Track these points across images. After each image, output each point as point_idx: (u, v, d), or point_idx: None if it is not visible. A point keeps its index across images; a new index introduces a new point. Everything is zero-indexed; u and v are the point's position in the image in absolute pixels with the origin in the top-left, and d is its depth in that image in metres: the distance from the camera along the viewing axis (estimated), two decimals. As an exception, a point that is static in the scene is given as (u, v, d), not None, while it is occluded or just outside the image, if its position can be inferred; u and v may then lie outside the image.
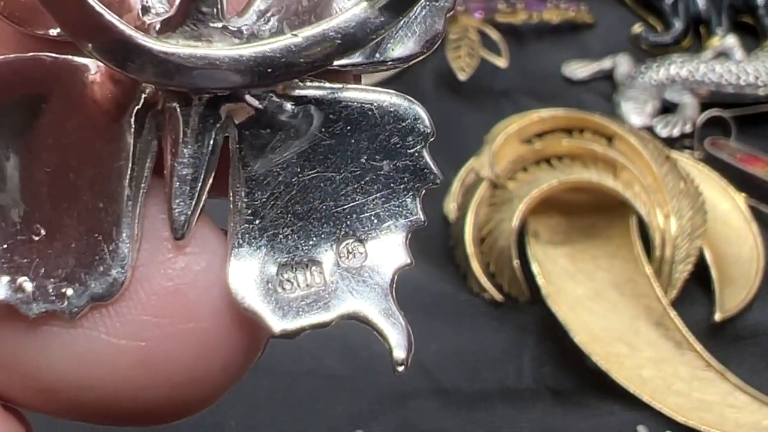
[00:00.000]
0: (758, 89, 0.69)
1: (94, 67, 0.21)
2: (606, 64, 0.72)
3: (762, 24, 0.73)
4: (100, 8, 0.19)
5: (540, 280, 0.59)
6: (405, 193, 0.21)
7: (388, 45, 0.21)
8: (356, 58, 0.21)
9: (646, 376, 0.57)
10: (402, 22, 0.21)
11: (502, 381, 0.57)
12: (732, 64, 0.70)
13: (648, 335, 0.58)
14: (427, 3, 0.21)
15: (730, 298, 0.59)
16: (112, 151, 0.21)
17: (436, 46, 0.22)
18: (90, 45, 0.19)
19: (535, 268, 0.59)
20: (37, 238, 0.21)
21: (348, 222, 0.21)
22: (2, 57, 0.20)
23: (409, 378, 0.54)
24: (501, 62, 0.69)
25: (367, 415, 0.55)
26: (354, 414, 0.55)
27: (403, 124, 0.21)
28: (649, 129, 0.67)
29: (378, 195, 0.21)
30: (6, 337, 0.21)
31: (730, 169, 0.64)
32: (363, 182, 0.21)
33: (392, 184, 0.21)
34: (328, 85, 0.21)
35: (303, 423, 0.55)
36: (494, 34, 0.70)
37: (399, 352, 0.21)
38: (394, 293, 0.21)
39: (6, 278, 0.21)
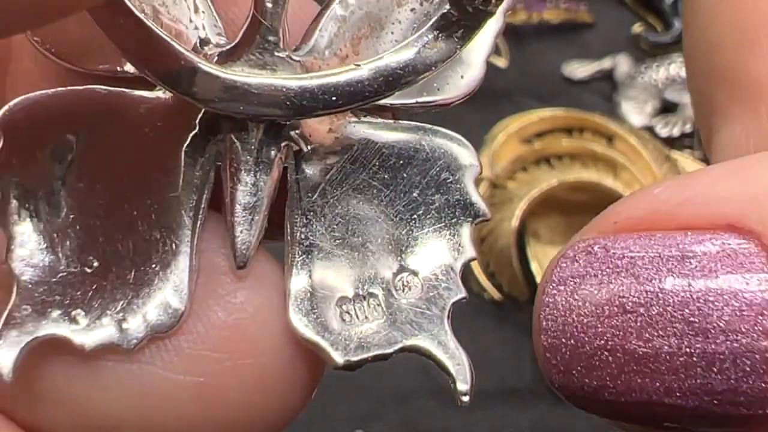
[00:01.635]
0: (758, 89, 0.69)
1: (150, 98, 0.21)
2: (606, 64, 0.72)
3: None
4: (165, 36, 0.19)
5: (540, 280, 0.59)
6: (456, 227, 0.22)
7: (434, 86, 0.22)
8: (406, 97, 0.22)
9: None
10: (451, 61, 0.21)
11: (502, 381, 0.57)
12: (732, 64, 0.70)
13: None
14: (467, 49, 0.22)
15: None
16: (170, 181, 0.21)
17: (477, 89, 0.23)
18: (155, 73, 0.20)
19: (534, 268, 0.59)
20: (90, 270, 0.21)
21: (403, 254, 0.22)
22: (55, 89, 0.21)
23: (409, 378, 0.54)
24: (501, 62, 0.69)
25: (367, 415, 0.55)
26: (354, 414, 0.55)
27: (453, 160, 0.22)
28: (649, 129, 0.67)
29: (431, 228, 0.22)
30: (58, 373, 0.21)
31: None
32: (416, 216, 0.22)
33: (444, 218, 0.22)
34: (382, 120, 0.22)
35: (303, 423, 0.55)
36: (494, 34, 0.70)
37: (462, 385, 0.22)
38: (450, 326, 0.22)
39: (58, 311, 0.20)
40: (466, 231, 0.22)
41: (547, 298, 0.21)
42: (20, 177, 0.20)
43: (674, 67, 0.70)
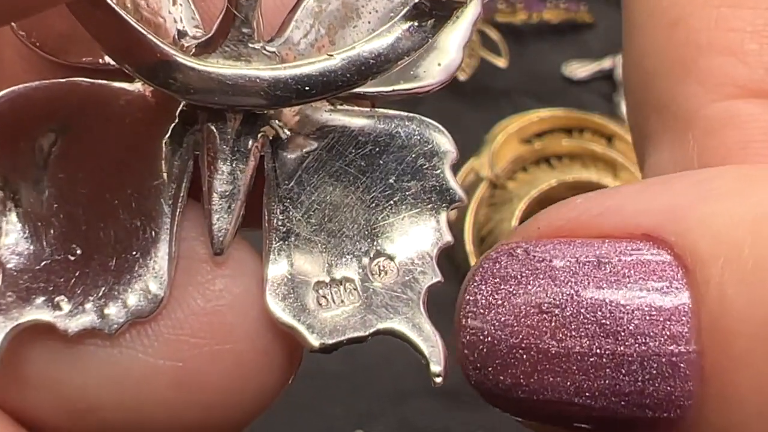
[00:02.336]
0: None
1: (130, 89, 0.21)
2: (606, 64, 0.72)
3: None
4: (142, 29, 0.20)
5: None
6: (432, 212, 0.23)
7: (411, 73, 0.22)
8: (382, 85, 0.22)
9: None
10: (425, 51, 0.22)
11: (502, 381, 0.57)
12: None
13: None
14: (445, 35, 0.22)
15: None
16: (150, 170, 0.21)
17: (454, 76, 0.23)
18: (132, 65, 0.20)
19: (534, 268, 0.59)
20: (73, 258, 0.21)
21: (379, 240, 0.22)
22: (38, 82, 0.21)
23: (408, 378, 0.54)
24: (501, 62, 0.69)
25: (367, 415, 0.55)
26: (354, 414, 0.55)
27: (429, 146, 0.22)
28: (649, 129, 0.67)
29: (407, 214, 0.22)
30: (41, 357, 0.21)
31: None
32: (392, 202, 0.22)
33: (420, 204, 0.22)
34: (358, 109, 0.22)
35: (303, 423, 0.55)
36: (494, 34, 0.70)
37: (435, 366, 0.22)
38: (425, 309, 0.22)
39: (42, 298, 0.21)
40: (442, 216, 0.23)
41: (468, 297, 0.21)
42: (4, 168, 0.21)
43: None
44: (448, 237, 0.23)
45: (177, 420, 0.22)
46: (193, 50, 0.21)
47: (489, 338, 0.21)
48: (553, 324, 0.20)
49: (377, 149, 0.22)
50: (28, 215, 0.21)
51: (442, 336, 0.22)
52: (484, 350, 0.21)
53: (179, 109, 0.22)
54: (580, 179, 0.61)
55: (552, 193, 0.61)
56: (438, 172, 0.23)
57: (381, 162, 0.22)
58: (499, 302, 0.21)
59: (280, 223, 0.22)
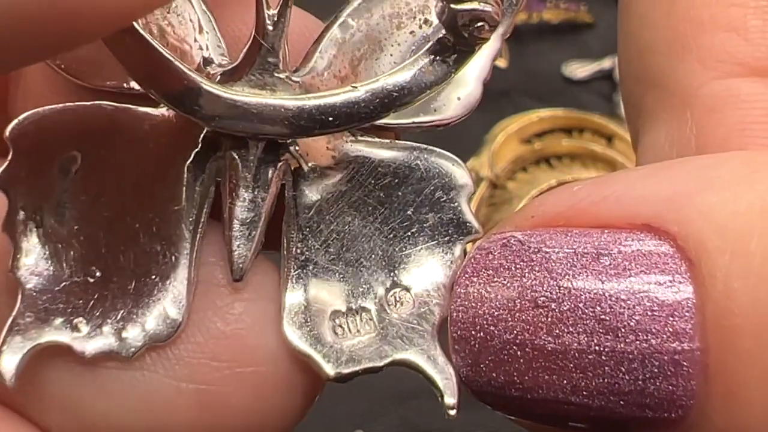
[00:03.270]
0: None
1: (154, 114, 0.22)
2: (606, 64, 0.72)
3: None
4: (170, 56, 0.20)
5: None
6: (449, 244, 0.23)
7: (431, 106, 0.23)
8: (403, 118, 0.22)
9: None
10: (447, 84, 0.22)
11: (502, 381, 0.57)
12: (732, 64, 0.70)
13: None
14: (464, 70, 0.22)
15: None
16: (171, 195, 0.22)
17: (473, 110, 0.23)
18: (159, 92, 0.20)
19: (535, 268, 0.59)
20: (92, 280, 0.21)
21: (396, 271, 0.22)
22: (63, 104, 0.21)
23: (409, 378, 0.54)
24: (501, 62, 0.69)
25: (367, 415, 0.55)
26: (354, 414, 0.55)
27: (447, 179, 0.23)
28: (649, 129, 0.67)
29: (424, 246, 0.23)
30: (62, 378, 0.21)
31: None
32: (410, 233, 0.23)
33: (437, 236, 0.23)
34: (378, 140, 0.23)
35: (303, 423, 0.55)
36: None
37: (449, 399, 0.23)
38: (438, 341, 0.22)
39: (60, 319, 0.21)
40: (458, 248, 0.23)
41: (459, 289, 0.21)
42: (27, 189, 0.21)
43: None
44: None
45: None
46: (219, 78, 0.21)
47: (481, 333, 0.20)
48: (549, 319, 0.19)
49: (396, 181, 0.23)
50: (48, 236, 0.21)
51: (455, 368, 0.22)
52: (476, 346, 0.20)
53: (202, 135, 0.22)
54: (579, 179, 0.61)
55: (552, 193, 0.61)
56: (455, 205, 0.23)
57: (400, 194, 0.23)
58: (492, 296, 0.20)
59: (298, 251, 0.22)
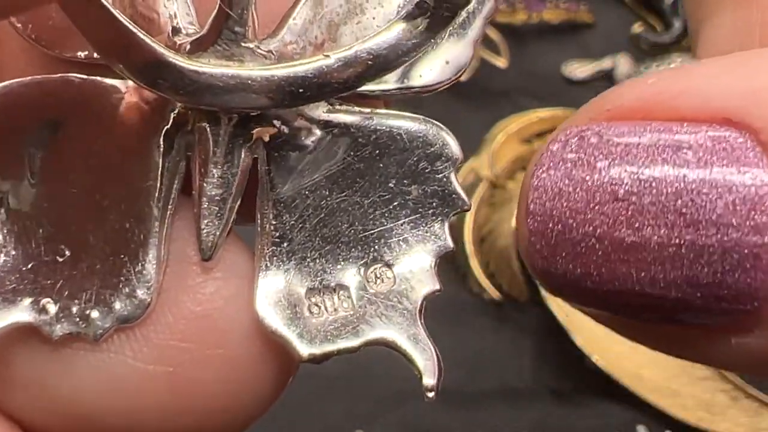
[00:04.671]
0: (758, 89, 0.69)
1: (123, 87, 0.21)
2: (606, 64, 0.72)
3: (762, 24, 0.73)
4: (132, 27, 0.19)
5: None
6: (433, 218, 0.22)
7: (416, 71, 0.21)
8: (385, 84, 0.21)
9: (646, 376, 0.56)
10: (431, 48, 0.21)
11: (502, 381, 0.57)
12: (732, 64, 0.70)
13: (648, 335, 0.58)
14: (455, 31, 0.21)
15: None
16: (141, 171, 0.21)
17: (462, 74, 0.22)
18: (122, 64, 0.19)
19: (535, 268, 0.59)
20: (61, 260, 0.21)
21: (376, 246, 0.21)
22: (30, 78, 0.20)
23: (408, 378, 0.54)
24: (501, 62, 0.69)
25: (366, 415, 0.55)
26: (354, 414, 0.55)
27: (432, 149, 0.21)
28: (649, 129, 0.67)
29: (406, 220, 0.21)
30: (30, 360, 0.21)
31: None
32: (391, 207, 0.21)
33: (420, 209, 0.21)
34: (357, 109, 0.21)
35: (303, 424, 0.55)
36: (494, 34, 0.70)
37: (428, 379, 0.21)
38: (422, 319, 0.21)
39: (28, 300, 0.20)
40: (444, 222, 0.22)
41: (536, 182, 0.20)
42: None
43: (674, 67, 0.70)
44: (449, 244, 0.22)
45: (172, 426, 0.21)
46: (188, 48, 0.20)
47: (559, 226, 0.20)
48: (629, 212, 0.19)
49: (377, 151, 0.21)
50: (16, 214, 0.20)
51: (436, 347, 0.21)
52: (553, 239, 0.20)
53: (172, 109, 0.21)
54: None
55: (552, 193, 0.61)
56: (441, 176, 0.22)
57: (380, 165, 0.21)
58: (571, 189, 0.20)
59: (272, 227, 0.21)
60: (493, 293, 0.60)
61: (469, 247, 0.61)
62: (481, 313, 0.60)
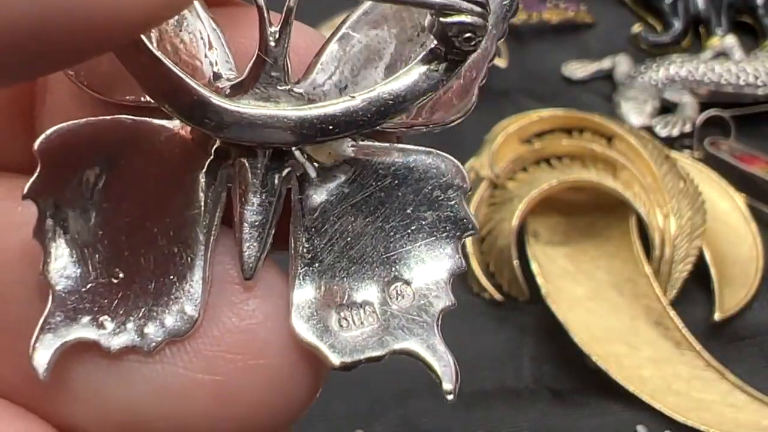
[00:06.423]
0: (757, 89, 0.69)
1: (170, 127, 0.23)
2: (606, 64, 0.72)
3: (761, 24, 0.73)
4: (180, 73, 0.22)
5: (540, 280, 0.59)
6: (447, 240, 0.24)
7: (430, 110, 0.24)
8: (401, 122, 0.24)
9: (646, 376, 0.57)
10: (442, 90, 0.23)
11: (502, 381, 0.57)
12: (731, 64, 0.70)
13: (647, 335, 0.58)
14: (463, 76, 0.24)
15: (730, 298, 0.59)
16: (187, 201, 0.23)
17: (470, 112, 0.24)
18: (170, 105, 0.22)
19: (534, 267, 0.60)
20: (116, 281, 0.23)
21: (396, 266, 0.24)
22: (85, 120, 0.23)
23: (408, 378, 0.54)
24: (501, 62, 0.69)
25: (367, 415, 0.55)
26: (354, 414, 0.55)
27: (444, 179, 0.24)
28: (649, 129, 0.67)
29: (423, 242, 0.24)
30: (89, 373, 0.23)
31: (729, 169, 0.64)
32: (409, 231, 0.24)
33: (435, 233, 0.24)
34: (379, 144, 0.24)
35: (303, 423, 0.55)
36: (494, 34, 0.70)
37: (447, 384, 0.23)
38: (440, 331, 0.23)
39: (88, 317, 0.23)
40: (456, 244, 0.24)
41: None
42: (55, 197, 0.23)
43: (674, 67, 0.70)
44: (462, 263, 0.24)
45: (216, 430, 0.23)
46: (228, 91, 0.23)
47: None
48: None
49: (396, 182, 0.24)
50: (75, 241, 0.23)
51: (454, 357, 0.23)
52: None
53: (214, 145, 0.23)
54: (580, 179, 0.61)
55: (552, 193, 0.61)
56: (453, 203, 0.24)
57: (399, 194, 0.24)
58: None
59: (305, 250, 0.23)
60: (493, 293, 0.60)
61: (469, 247, 0.61)
62: (480, 313, 0.60)
